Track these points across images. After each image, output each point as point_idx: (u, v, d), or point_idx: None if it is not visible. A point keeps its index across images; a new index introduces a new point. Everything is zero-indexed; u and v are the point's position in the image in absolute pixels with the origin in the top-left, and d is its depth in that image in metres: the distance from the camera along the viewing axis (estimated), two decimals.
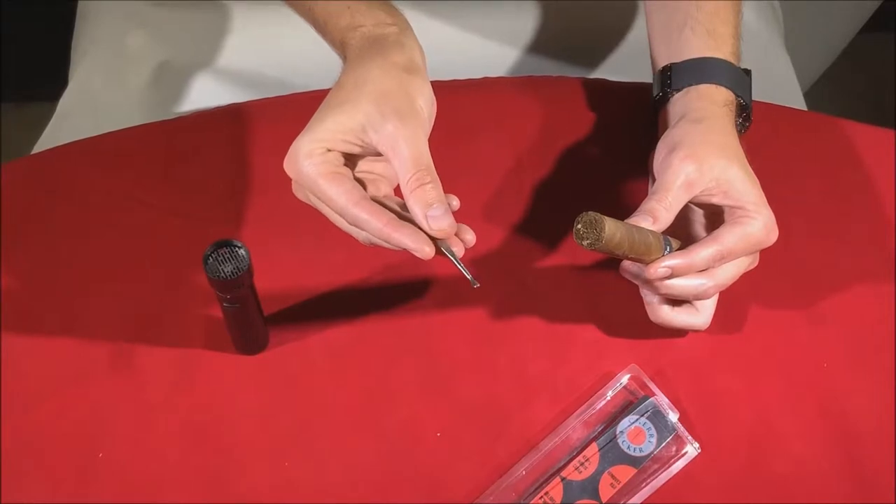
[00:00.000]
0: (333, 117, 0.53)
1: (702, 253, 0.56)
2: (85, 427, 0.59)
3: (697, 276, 0.57)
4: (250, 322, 0.60)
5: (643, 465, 0.59)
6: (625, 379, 0.62)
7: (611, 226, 0.52)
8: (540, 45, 0.89)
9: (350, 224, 0.53)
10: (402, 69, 0.55)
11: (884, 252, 0.69)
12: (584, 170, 0.72)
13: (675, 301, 0.60)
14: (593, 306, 0.65)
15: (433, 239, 0.52)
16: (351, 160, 0.55)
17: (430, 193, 0.51)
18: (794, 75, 0.95)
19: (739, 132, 0.65)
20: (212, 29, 0.85)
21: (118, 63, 0.85)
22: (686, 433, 0.60)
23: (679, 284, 0.57)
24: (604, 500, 0.57)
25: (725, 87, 0.64)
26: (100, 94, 0.85)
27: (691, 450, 0.59)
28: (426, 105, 0.55)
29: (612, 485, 0.58)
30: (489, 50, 0.88)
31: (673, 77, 0.66)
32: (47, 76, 0.97)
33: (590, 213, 0.52)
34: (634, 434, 0.60)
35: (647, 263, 0.56)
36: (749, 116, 0.67)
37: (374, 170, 0.57)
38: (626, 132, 0.74)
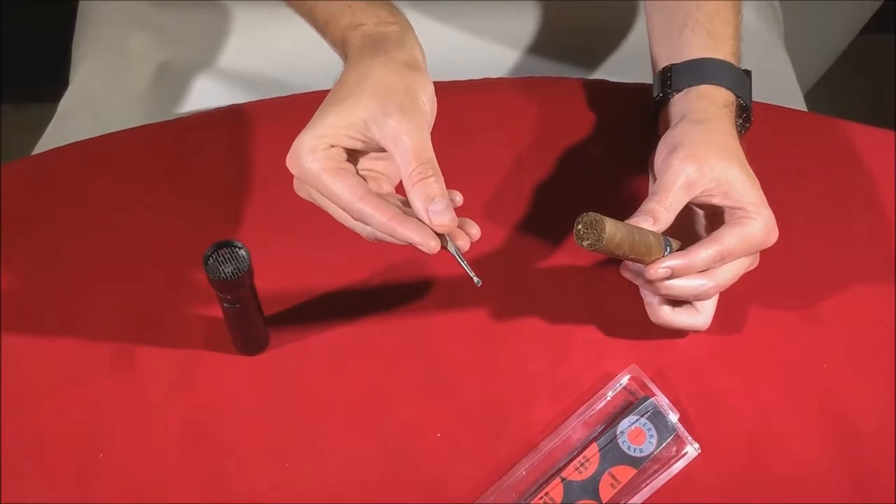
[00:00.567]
0: (336, 113, 0.53)
1: (702, 253, 0.56)
2: (85, 427, 0.59)
3: (697, 276, 0.57)
4: (250, 322, 0.60)
5: (643, 466, 0.59)
6: (625, 379, 0.62)
7: (611, 226, 0.52)
8: (540, 46, 0.89)
9: (355, 219, 0.53)
10: (404, 65, 0.55)
11: (884, 252, 0.69)
12: (584, 170, 0.72)
13: (676, 301, 0.60)
14: (593, 306, 0.65)
15: (437, 234, 0.52)
16: (353, 157, 0.55)
17: (433, 187, 0.51)
18: (794, 76, 0.95)
19: (740, 133, 0.65)
20: (212, 30, 0.85)
21: (119, 64, 0.85)
22: (686, 433, 0.60)
23: (679, 285, 0.57)
24: (604, 501, 0.57)
25: (726, 87, 0.64)
26: (100, 95, 0.85)
27: (691, 450, 0.59)
28: (428, 101, 0.55)
29: (612, 485, 0.58)
30: (489, 51, 0.88)
31: (673, 78, 0.66)
32: (47, 77, 0.97)
33: (590, 213, 0.52)
34: (635, 434, 0.60)
35: (647, 264, 0.56)
36: (749, 117, 0.67)
37: (375, 167, 0.57)
38: (626, 133, 0.74)
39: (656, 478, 0.58)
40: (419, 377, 0.62)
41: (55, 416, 0.59)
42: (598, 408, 0.61)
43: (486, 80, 0.78)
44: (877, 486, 0.59)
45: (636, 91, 0.75)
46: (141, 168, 0.70)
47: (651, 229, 0.56)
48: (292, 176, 0.55)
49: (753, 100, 0.67)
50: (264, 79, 0.85)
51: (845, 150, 0.75)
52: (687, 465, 0.59)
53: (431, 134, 0.55)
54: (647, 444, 0.59)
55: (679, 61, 0.66)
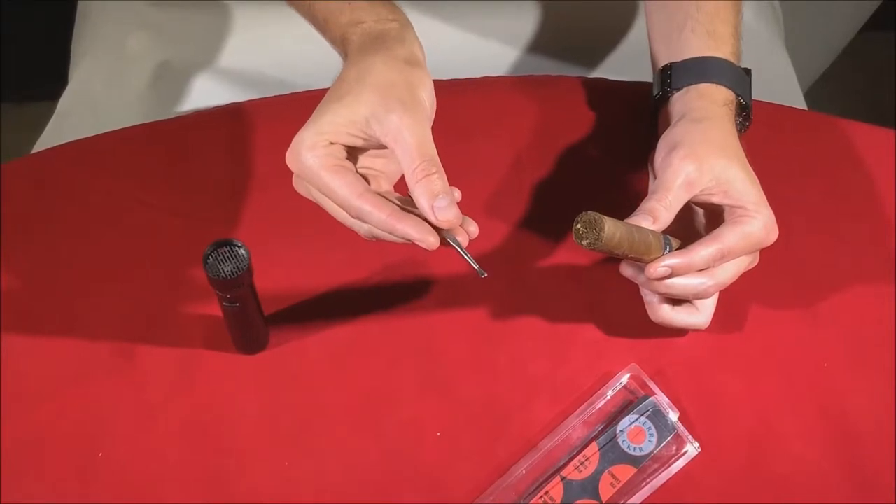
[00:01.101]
0: (336, 110, 0.53)
1: (702, 252, 0.56)
2: (85, 427, 0.59)
3: (697, 275, 0.57)
4: (250, 322, 0.59)
5: (643, 465, 0.59)
6: (625, 378, 0.62)
7: (610, 225, 0.52)
8: (540, 45, 0.89)
9: (353, 217, 0.53)
10: (405, 62, 0.55)
11: (884, 252, 0.69)
12: (584, 169, 0.72)
13: (676, 300, 0.60)
14: (593, 306, 0.65)
15: (437, 230, 0.52)
16: (352, 155, 0.55)
17: (437, 184, 0.51)
18: (794, 75, 0.95)
19: (739, 132, 0.65)
20: (212, 29, 0.85)
21: (118, 63, 0.85)
22: (686, 432, 0.60)
23: (679, 284, 0.57)
24: (604, 500, 0.57)
25: (726, 86, 0.64)
26: (100, 94, 0.85)
27: (691, 449, 0.59)
28: (428, 97, 0.55)
29: (612, 484, 0.58)
30: (489, 49, 0.88)
31: (673, 76, 0.66)
32: (47, 76, 0.97)
33: (589, 212, 0.52)
34: (634, 433, 0.60)
35: (646, 263, 0.56)
36: (749, 116, 0.67)
37: (375, 166, 0.57)
38: (626, 132, 0.74)
39: (656, 477, 0.58)
40: (419, 377, 0.62)
41: (55, 416, 0.59)
42: (597, 407, 0.61)
43: (485, 78, 0.78)
44: (877, 486, 0.59)
45: (636, 90, 0.75)
46: (140, 167, 0.70)
47: (651, 228, 0.56)
48: (292, 174, 0.55)
49: (753, 98, 0.67)
50: (264, 78, 0.85)
51: (845, 148, 0.75)
52: (687, 465, 0.59)
53: (431, 133, 0.55)
54: (647, 443, 0.59)
55: (679, 60, 0.66)
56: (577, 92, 0.77)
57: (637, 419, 0.60)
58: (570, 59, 0.90)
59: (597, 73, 0.90)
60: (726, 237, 0.57)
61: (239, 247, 0.53)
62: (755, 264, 0.61)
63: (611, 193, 0.70)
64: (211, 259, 0.53)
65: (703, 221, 0.63)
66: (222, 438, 0.59)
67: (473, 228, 0.54)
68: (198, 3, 0.85)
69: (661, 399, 0.61)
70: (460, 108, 0.73)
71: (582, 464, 0.58)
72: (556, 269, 0.67)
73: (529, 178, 0.71)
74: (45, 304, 0.63)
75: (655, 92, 0.68)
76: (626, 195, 0.70)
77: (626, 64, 0.90)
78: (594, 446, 0.59)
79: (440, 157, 0.52)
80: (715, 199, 0.59)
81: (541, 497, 0.57)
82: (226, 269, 0.52)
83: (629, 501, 0.57)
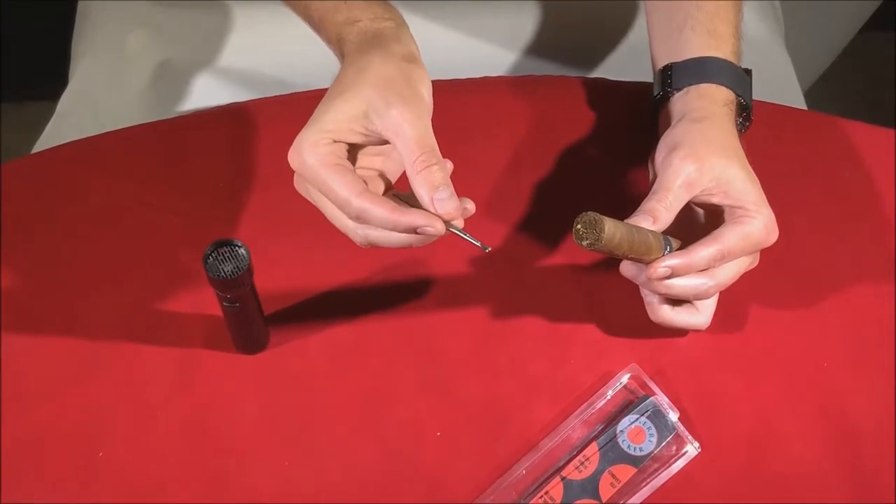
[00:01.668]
0: (337, 106, 0.53)
1: (702, 253, 0.56)
2: (85, 427, 0.59)
3: (697, 275, 0.57)
4: (250, 321, 0.59)
5: (643, 465, 0.59)
6: (625, 378, 0.62)
7: (610, 226, 0.52)
8: (540, 45, 0.89)
9: (353, 217, 0.52)
10: (402, 58, 0.55)
11: (884, 251, 0.69)
12: (584, 170, 0.72)
13: (676, 300, 0.60)
14: (593, 306, 0.65)
15: None
16: (352, 154, 0.55)
17: (437, 175, 0.51)
18: (795, 75, 0.95)
19: (740, 132, 0.65)
20: (212, 28, 0.85)
21: (118, 63, 0.85)
22: (686, 432, 0.60)
23: (679, 284, 0.57)
24: (604, 500, 0.57)
25: (726, 86, 0.64)
26: (100, 94, 0.85)
27: (691, 449, 0.59)
28: (427, 93, 0.55)
29: (612, 484, 0.58)
30: (489, 49, 0.88)
31: (673, 76, 0.66)
32: (47, 76, 0.97)
33: (589, 213, 0.52)
34: (635, 433, 0.60)
35: (647, 263, 0.56)
36: (749, 116, 0.67)
37: (374, 165, 0.57)
38: (626, 132, 0.74)
39: (656, 477, 0.58)
40: (419, 376, 0.62)
41: (55, 416, 0.59)
42: (597, 407, 0.61)
43: (485, 78, 0.78)
44: (877, 486, 0.59)
45: (636, 90, 0.75)
46: (140, 167, 0.70)
47: (651, 228, 0.56)
48: (292, 174, 0.55)
49: (753, 98, 0.67)
50: (264, 77, 0.85)
51: (845, 148, 0.75)
52: (687, 465, 0.59)
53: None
54: (647, 443, 0.59)
55: (679, 60, 0.66)
56: (577, 92, 0.77)
57: (637, 419, 0.60)
58: (570, 59, 0.90)
59: (597, 73, 0.90)
60: (726, 237, 0.57)
61: (239, 247, 0.53)
62: (755, 264, 0.61)
63: (611, 193, 0.70)
64: (211, 259, 0.53)
65: (703, 222, 0.63)
66: (222, 438, 0.59)
67: (470, 206, 0.54)
68: (198, 3, 0.85)
69: (662, 399, 0.61)
70: (460, 108, 0.73)
71: (582, 464, 0.58)
72: (556, 269, 0.67)
73: (529, 178, 0.71)
74: (45, 304, 0.63)
75: (656, 92, 0.68)
76: (626, 195, 0.70)
77: (626, 64, 0.89)
78: (594, 446, 0.59)
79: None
80: (715, 200, 0.59)
81: (541, 497, 0.57)
82: (226, 269, 0.52)
83: (629, 501, 0.57)
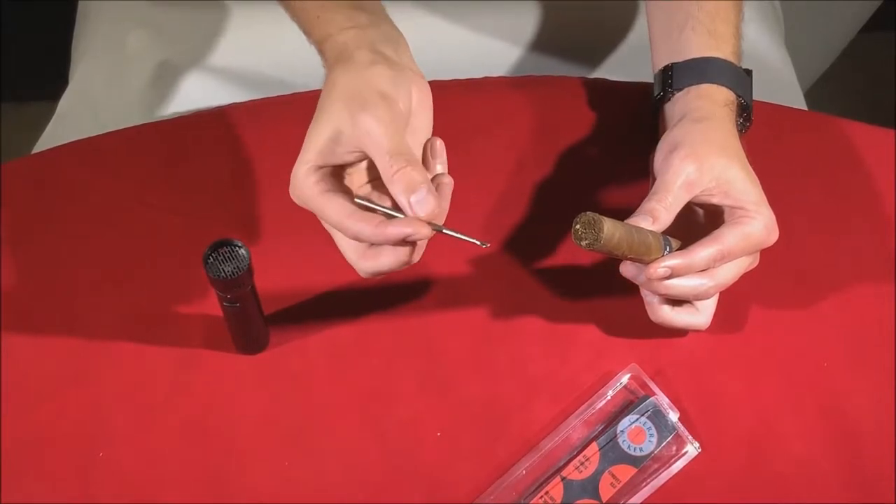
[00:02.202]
0: (313, 132, 0.53)
1: (701, 253, 0.56)
2: (85, 427, 0.59)
3: (697, 276, 0.57)
4: (250, 321, 0.60)
5: (643, 465, 0.59)
6: (625, 378, 0.62)
7: (609, 226, 0.52)
8: (540, 45, 0.89)
9: (350, 237, 0.53)
10: (368, 64, 0.54)
11: (884, 251, 0.69)
12: (584, 170, 0.72)
13: (676, 301, 0.60)
14: (593, 306, 0.65)
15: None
16: (355, 173, 0.55)
17: (410, 176, 0.50)
18: (795, 75, 0.95)
19: (740, 132, 0.65)
20: (212, 29, 0.85)
21: (118, 63, 0.85)
22: (686, 433, 0.60)
23: (679, 285, 0.57)
24: (604, 500, 0.57)
25: (726, 86, 0.64)
26: (100, 94, 0.85)
27: (691, 449, 0.59)
28: (398, 90, 0.53)
29: (612, 484, 0.58)
30: (489, 49, 0.88)
31: (674, 77, 0.66)
32: (47, 76, 0.97)
33: (588, 213, 0.52)
34: (635, 433, 0.60)
35: (646, 263, 0.56)
36: (749, 116, 0.67)
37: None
38: (626, 132, 0.74)
39: (656, 477, 0.58)
40: (419, 376, 0.62)
41: (55, 416, 0.59)
42: (598, 407, 0.61)
43: (486, 78, 0.78)
44: (877, 486, 0.59)
45: (636, 90, 0.75)
46: (140, 167, 0.70)
47: (651, 229, 0.56)
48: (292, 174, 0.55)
49: (754, 98, 0.67)
50: (264, 78, 0.85)
51: (846, 148, 0.75)
52: (687, 465, 0.59)
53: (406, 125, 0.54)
54: (648, 444, 0.59)
55: (679, 60, 0.66)
56: (578, 92, 0.77)
57: (637, 419, 0.60)
58: (570, 59, 0.90)
59: (597, 73, 0.90)
60: (726, 238, 0.57)
61: (239, 247, 0.53)
62: (755, 265, 0.61)
63: (611, 193, 0.70)
64: (211, 259, 0.53)
65: (703, 222, 0.63)
66: (222, 438, 0.59)
67: (447, 181, 0.54)
68: (198, 3, 0.85)
69: (662, 399, 0.61)
70: (460, 108, 0.73)
71: (582, 464, 0.59)
72: (556, 269, 0.67)
73: (529, 178, 0.71)
74: (45, 304, 0.63)
75: (656, 92, 0.68)
76: (626, 195, 0.70)
77: (626, 64, 0.89)
78: (594, 446, 0.59)
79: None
80: (715, 200, 0.59)
81: (541, 497, 0.57)
82: (226, 269, 0.52)
83: (629, 501, 0.57)
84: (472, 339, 0.64)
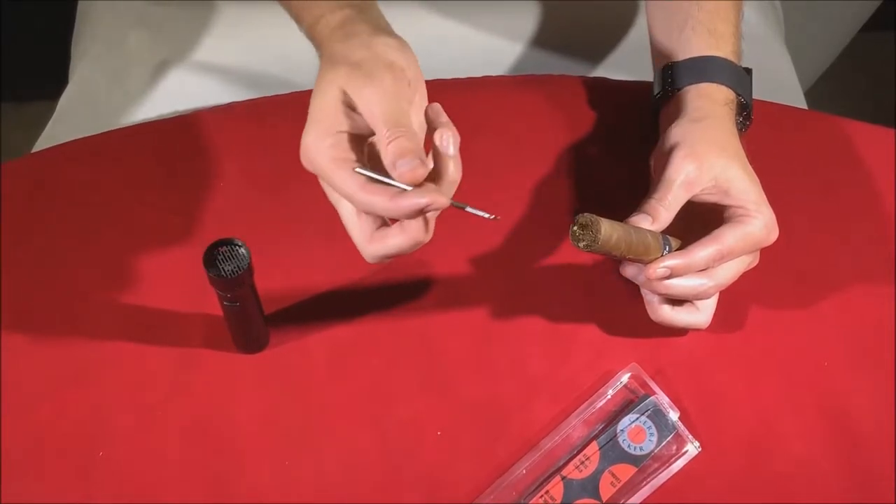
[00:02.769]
0: (319, 98, 0.52)
1: (701, 253, 0.56)
2: (85, 427, 0.59)
3: (697, 275, 0.57)
4: (251, 321, 0.59)
5: (643, 464, 0.59)
6: (625, 378, 0.62)
7: (607, 227, 0.52)
8: (540, 44, 0.89)
9: (361, 209, 0.51)
10: (370, 34, 0.53)
11: (884, 251, 0.69)
12: (584, 169, 0.72)
13: (676, 300, 0.60)
14: (593, 305, 0.65)
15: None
16: (360, 141, 0.54)
17: (401, 144, 0.48)
18: (795, 74, 0.95)
19: (740, 131, 0.65)
20: (212, 28, 0.85)
21: (118, 62, 0.85)
22: (686, 432, 0.60)
23: (679, 284, 0.57)
24: (604, 499, 0.57)
25: (726, 85, 0.64)
26: (100, 93, 0.85)
27: (692, 448, 0.59)
28: (407, 59, 0.53)
29: (612, 483, 0.58)
30: (490, 48, 0.88)
31: (674, 76, 0.66)
32: (47, 75, 0.97)
33: (586, 214, 0.52)
34: (635, 433, 0.59)
35: (646, 263, 0.56)
36: (749, 115, 0.67)
37: None
38: (626, 131, 0.74)
39: (656, 476, 0.58)
40: (419, 376, 0.62)
41: (55, 416, 0.59)
42: (598, 406, 0.61)
43: (486, 77, 0.78)
44: (877, 485, 0.59)
45: (637, 89, 0.75)
46: (140, 166, 0.70)
47: (650, 228, 0.56)
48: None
49: (754, 98, 0.67)
50: (265, 77, 0.85)
51: (846, 148, 0.75)
52: (687, 464, 0.59)
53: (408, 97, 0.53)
54: (648, 443, 0.59)
55: (680, 59, 0.66)
56: (578, 91, 0.77)
57: (637, 418, 0.60)
58: (570, 59, 0.90)
59: (598, 72, 0.90)
60: (726, 237, 0.57)
61: (239, 246, 0.53)
62: (755, 264, 0.61)
63: (611, 193, 0.70)
64: (211, 258, 0.53)
65: (703, 221, 0.63)
66: (222, 438, 0.59)
67: (448, 134, 0.51)
68: (198, 3, 0.85)
69: (662, 398, 0.61)
70: (461, 107, 0.73)
71: (582, 463, 0.58)
72: (556, 269, 0.67)
73: (529, 177, 0.71)
74: (45, 304, 0.63)
75: (656, 91, 0.68)
76: (626, 195, 0.70)
77: (626, 63, 0.89)
78: (594, 446, 0.59)
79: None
80: (715, 199, 0.59)
81: (541, 496, 0.57)
82: (226, 269, 0.52)
83: (629, 501, 0.57)
84: (472, 339, 0.64)
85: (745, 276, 0.60)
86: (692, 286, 0.57)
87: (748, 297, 0.66)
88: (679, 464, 0.59)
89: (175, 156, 0.71)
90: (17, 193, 0.68)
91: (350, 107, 0.52)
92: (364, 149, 0.54)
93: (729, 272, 0.58)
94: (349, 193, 0.50)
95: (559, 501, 0.57)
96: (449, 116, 0.59)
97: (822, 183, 0.73)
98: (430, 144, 0.52)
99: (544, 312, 0.65)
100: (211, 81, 0.85)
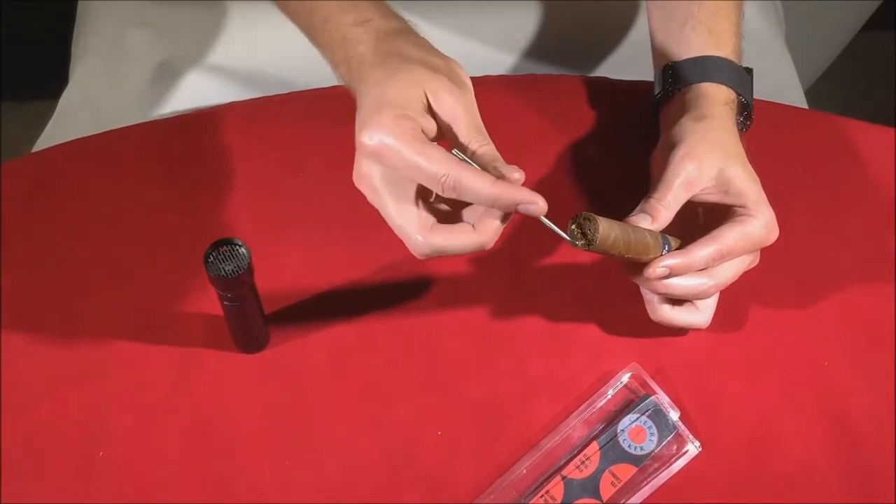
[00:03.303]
0: (397, 86, 0.51)
1: (701, 252, 0.56)
2: (85, 427, 0.59)
3: (697, 275, 0.57)
4: (251, 321, 0.59)
5: (644, 464, 0.59)
6: (625, 377, 0.62)
7: (605, 226, 0.52)
8: (541, 44, 0.89)
9: (447, 192, 0.49)
10: (434, 49, 0.55)
11: (884, 251, 0.69)
12: (584, 168, 0.72)
13: (676, 300, 0.60)
14: (593, 305, 0.65)
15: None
16: None
17: (492, 151, 0.51)
18: (796, 73, 0.95)
19: (740, 131, 0.65)
20: (212, 27, 0.85)
21: (118, 62, 0.85)
22: (687, 432, 0.60)
23: (678, 284, 0.57)
24: (604, 499, 0.57)
25: (727, 85, 0.64)
26: (100, 93, 0.85)
27: (692, 448, 0.59)
28: (468, 79, 0.55)
29: (612, 483, 0.58)
30: (490, 48, 0.88)
31: (674, 75, 0.66)
32: (47, 75, 0.97)
33: (584, 213, 0.52)
34: (635, 433, 0.59)
35: (645, 263, 0.56)
36: (750, 115, 0.67)
37: None
38: (626, 131, 0.73)
39: (657, 476, 0.58)
40: (419, 376, 0.62)
41: (55, 416, 0.59)
42: (598, 406, 0.61)
43: (485, 77, 0.78)
44: (877, 485, 0.59)
45: (637, 89, 0.75)
46: (140, 166, 0.70)
47: (650, 228, 0.56)
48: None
49: (754, 97, 0.67)
50: (265, 77, 0.85)
51: (846, 147, 0.75)
52: (687, 464, 0.59)
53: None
54: (648, 443, 0.59)
55: (680, 59, 0.66)
56: (578, 91, 0.77)
57: (638, 418, 0.60)
58: (571, 58, 0.90)
59: (598, 72, 0.90)
60: (726, 237, 0.57)
61: (239, 246, 0.53)
62: (756, 264, 0.61)
63: (611, 193, 0.70)
64: (212, 258, 0.53)
65: (703, 221, 0.63)
66: (222, 438, 0.59)
67: (518, 175, 0.52)
68: (198, 3, 0.85)
69: (662, 398, 0.61)
70: None
71: (583, 463, 0.58)
72: (556, 269, 0.67)
73: (529, 177, 0.70)
74: (45, 304, 0.63)
75: (656, 91, 0.68)
76: (626, 194, 0.70)
77: (627, 63, 0.89)
78: (595, 445, 0.59)
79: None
80: (715, 199, 0.59)
81: (541, 496, 0.57)
82: (226, 268, 0.52)
83: (630, 501, 0.57)
84: (472, 339, 0.64)
85: (745, 276, 0.60)
86: (692, 286, 0.57)
87: (748, 297, 0.66)
88: (679, 464, 0.59)
89: (175, 156, 0.71)
90: (17, 193, 0.68)
91: (428, 109, 0.52)
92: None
93: (729, 272, 0.58)
94: (435, 172, 0.48)
95: (559, 501, 0.57)
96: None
97: (822, 183, 0.73)
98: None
99: (544, 312, 0.65)
100: (211, 81, 0.85)
